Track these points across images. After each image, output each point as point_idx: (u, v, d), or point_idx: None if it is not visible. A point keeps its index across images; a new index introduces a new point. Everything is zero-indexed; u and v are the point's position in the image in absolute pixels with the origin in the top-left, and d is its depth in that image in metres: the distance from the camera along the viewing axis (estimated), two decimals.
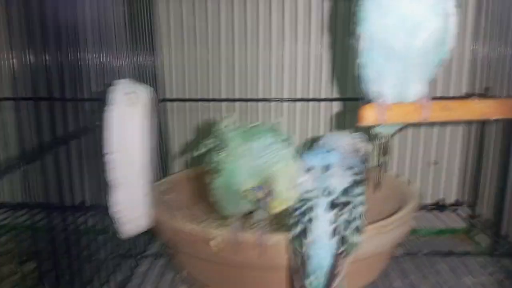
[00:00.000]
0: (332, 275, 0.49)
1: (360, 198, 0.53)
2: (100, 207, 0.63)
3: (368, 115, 0.51)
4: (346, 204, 0.52)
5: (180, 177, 0.83)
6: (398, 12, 0.48)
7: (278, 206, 0.50)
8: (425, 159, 0.96)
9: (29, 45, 0.51)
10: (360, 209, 0.53)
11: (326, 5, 0.92)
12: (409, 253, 0.80)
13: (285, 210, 0.52)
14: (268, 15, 0.91)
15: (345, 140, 0.59)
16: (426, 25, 0.48)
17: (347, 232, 0.50)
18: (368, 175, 0.60)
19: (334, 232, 0.50)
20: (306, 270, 0.50)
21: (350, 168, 0.55)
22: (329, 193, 0.52)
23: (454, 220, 0.95)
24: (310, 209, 0.52)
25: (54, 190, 0.52)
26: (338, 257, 0.50)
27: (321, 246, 0.50)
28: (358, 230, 0.51)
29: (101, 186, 0.62)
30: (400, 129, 0.60)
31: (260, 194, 0.51)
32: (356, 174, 0.55)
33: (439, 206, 0.98)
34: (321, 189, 0.53)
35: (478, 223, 0.92)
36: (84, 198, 0.61)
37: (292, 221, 0.53)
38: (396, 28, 0.49)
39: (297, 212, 0.52)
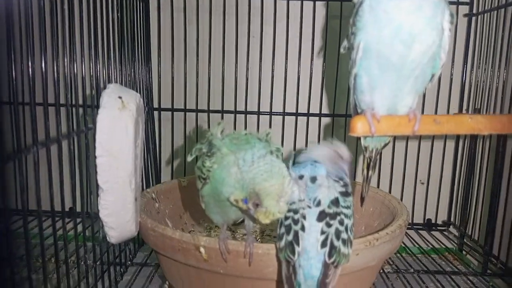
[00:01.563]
0: (323, 284, 0.49)
1: (348, 211, 0.53)
2: (89, 213, 0.62)
3: (359, 126, 0.52)
4: (335, 215, 0.52)
5: (171, 184, 0.83)
6: (395, 23, 0.49)
7: (265, 218, 0.49)
8: (415, 178, 0.97)
9: (29, 52, 0.51)
10: (348, 221, 0.53)
11: (318, 23, 0.93)
12: (398, 271, 0.80)
13: (275, 221, 0.52)
14: (260, 30, 0.92)
15: (328, 148, 0.59)
16: (422, 38, 0.49)
17: (337, 243, 0.50)
18: (354, 189, 0.60)
19: (325, 241, 0.50)
20: (297, 279, 0.50)
21: (338, 180, 0.56)
22: (319, 203, 0.53)
23: (443, 240, 0.95)
24: (302, 217, 0.52)
25: (44, 196, 0.51)
26: (329, 266, 0.50)
27: (312, 256, 0.50)
28: (347, 241, 0.52)
29: (91, 190, 0.61)
30: (387, 144, 0.60)
31: (246, 207, 0.51)
32: (343, 186, 0.55)
33: (428, 226, 0.98)
34: (311, 199, 0.53)
35: (468, 242, 0.92)
36: (75, 203, 0.60)
37: (283, 229, 0.52)
38: (392, 39, 0.49)
39: (289, 221, 0.52)
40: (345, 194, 0.54)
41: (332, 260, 0.49)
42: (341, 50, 0.56)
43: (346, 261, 0.51)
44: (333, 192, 0.54)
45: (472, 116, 0.51)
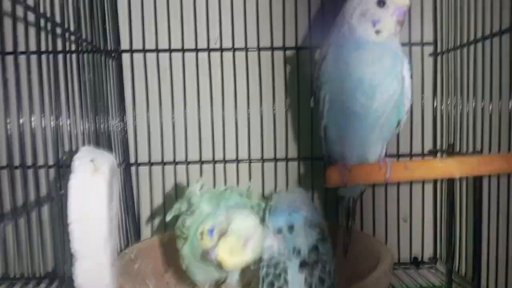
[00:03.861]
0: None
1: (328, 257, 0.53)
2: (65, 278, 0.60)
3: (332, 177, 0.52)
4: (316, 263, 0.52)
5: (151, 241, 0.81)
6: (355, 76, 0.50)
7: (227, 255, 0.48)
8: (398, 216, 0.96)
9: None
10: (330, 266, 0.53)
11: (289, 69, 0.95)
12: None
13: (248, 268, 0.51)
14: (233, 80, 0.93)
15: (294, 196, 0.59)
16: (383, 88, 0.51)
17: None
18: (336, 239, 0.60)
19: None
20: None
21: (314, 225, 0.55)
22: (298, 253, 0.52)
23: (431, 277, 0.94)
24: (284, 271, 0.51)
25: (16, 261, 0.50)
26: None
27: None
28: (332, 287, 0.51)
29: (66, 256, 0.60)
30: (363, 192, 0.60)
31: (210, 241, 0.49)
32: (320, 232, 0.55)
33: (415, 264, 0.97)
34: (290, 250, 0.53)
35: (456, 279, 0.91)
36: (49, 269, 0.58)
37: (266, 285, 0.51)
38: (354, 91, 0.51)
39: (270, 277, 0.51)
40: (322, 240, 0.54)
41: None
42: (310, 104, 0.58)
43: None
44: (311, 239, 0.54)
45: (443, 160, 0.52)
